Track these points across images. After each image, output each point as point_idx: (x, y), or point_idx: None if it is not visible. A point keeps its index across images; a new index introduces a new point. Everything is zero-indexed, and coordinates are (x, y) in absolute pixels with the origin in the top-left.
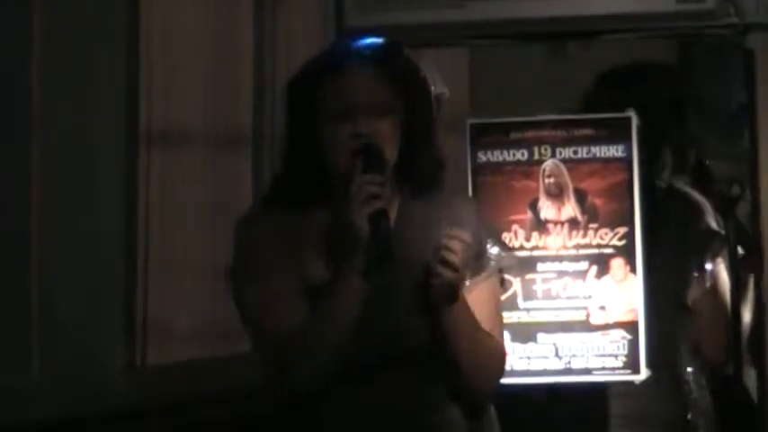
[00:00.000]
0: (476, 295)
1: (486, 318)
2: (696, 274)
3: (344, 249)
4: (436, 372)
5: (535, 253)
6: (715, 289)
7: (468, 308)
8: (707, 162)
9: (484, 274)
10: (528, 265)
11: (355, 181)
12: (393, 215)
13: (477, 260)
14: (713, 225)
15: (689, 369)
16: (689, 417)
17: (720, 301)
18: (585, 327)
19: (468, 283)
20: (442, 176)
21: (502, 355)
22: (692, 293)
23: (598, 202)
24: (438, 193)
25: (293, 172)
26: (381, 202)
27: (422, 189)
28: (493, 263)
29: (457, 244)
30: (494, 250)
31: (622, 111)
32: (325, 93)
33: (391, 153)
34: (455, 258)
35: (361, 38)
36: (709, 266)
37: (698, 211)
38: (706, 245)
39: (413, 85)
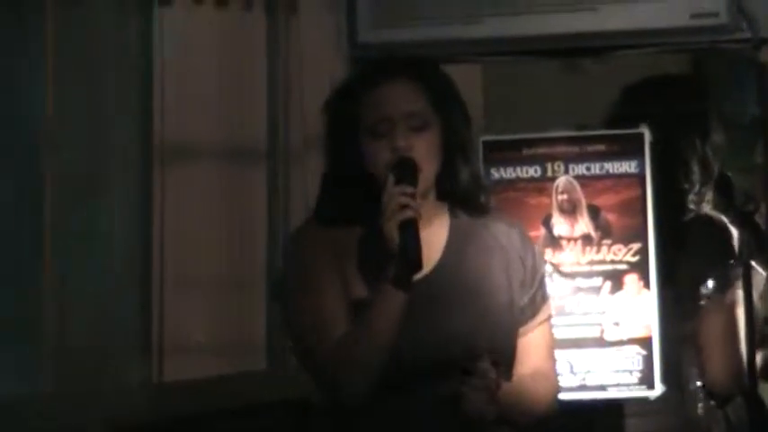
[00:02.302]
0: (529, 339)
1: (539, 361)
2: (713, 295)
3: (378, 260)
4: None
5: (549, 270)
6: (727, 317)
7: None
8: (729, 174)
9: (537, 320)
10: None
11: (387, 192)
12: (444, 233)
13: (532, 303)
14: (737, 249)
15: (697, 385)
16: None
17: (730, 330)
18: (600, 343)
19: (521, 329)
20: (488, 197)
21: (552, 396)
22: (704, 319)
23: (611, 217)
24: (489, 215)
25: (336, 189)
26: (411, 211)
27: (467, 206)
28: (546, 306)
29: (491, 383)
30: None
31: (638, 126)
32: (364, 109)
33: (430, 167)
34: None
35: (394, 54)
36: (724, 293)
37: (724, 238)
38: (728, 268)
39: (450, 101)
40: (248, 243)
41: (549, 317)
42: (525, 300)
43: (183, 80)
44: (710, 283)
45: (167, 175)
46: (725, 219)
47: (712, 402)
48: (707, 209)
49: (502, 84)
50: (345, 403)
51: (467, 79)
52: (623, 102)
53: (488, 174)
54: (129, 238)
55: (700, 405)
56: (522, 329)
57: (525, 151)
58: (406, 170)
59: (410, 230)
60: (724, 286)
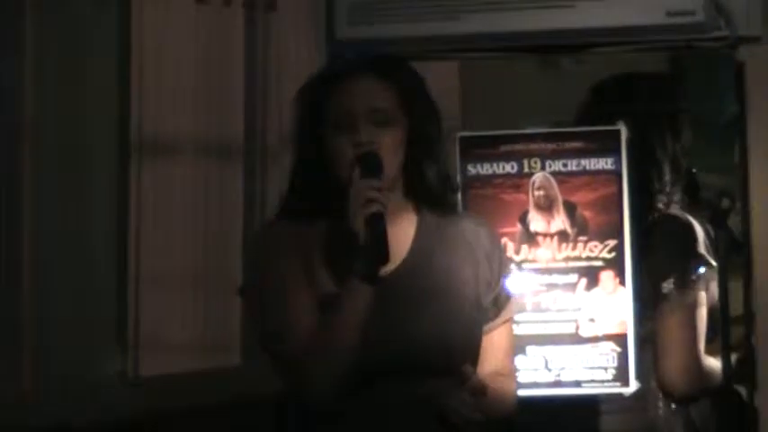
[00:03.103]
0: (493, 338)
1: (501, 360)
2: (673, 292)
3: (345, 255)
4: (450, 381)
5: (525, 266)
6: (683, 318)
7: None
8: (694, 170)
9: (501, 319)
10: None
11: (353, 186)
12: (412, 230)
13: (496, 303)
14: (702, 251)
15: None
16: None
17: (686, 331)
18: (575, 339)
19: (485, 327)
20: (455, 196)
21: (513, 396)
22: (661, 319)
23: (588, 214)
24: (457, 215)
25: (301, 184)
26: (378, 205)
27: (434, 205)
28: (510, 306)
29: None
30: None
31: (613, 123)
32: (329, 104)
33: (392, 163)
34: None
35: (365, 51)
36: (683, 293)
37: (690, 236)
38: (688, 268)
39: (418, 99)
40: (224, 239)
41: (512, 317)
42: (490, 298)
43: (161, 76)
44: (670, 283)
45: (144, 171)
46: (691, 219)
47: (673, 405)
48: (675, 209)
49: (479, 81)
50: (314, 403)
51: (444, 76)
52: (595, 100)
53: (465, 170)
54: (106, 233)
55: (660, 405)
56: (485, 328)
57: (502, 148)
58: (371, 164)
59: (377, 224)
60: (683, 286)
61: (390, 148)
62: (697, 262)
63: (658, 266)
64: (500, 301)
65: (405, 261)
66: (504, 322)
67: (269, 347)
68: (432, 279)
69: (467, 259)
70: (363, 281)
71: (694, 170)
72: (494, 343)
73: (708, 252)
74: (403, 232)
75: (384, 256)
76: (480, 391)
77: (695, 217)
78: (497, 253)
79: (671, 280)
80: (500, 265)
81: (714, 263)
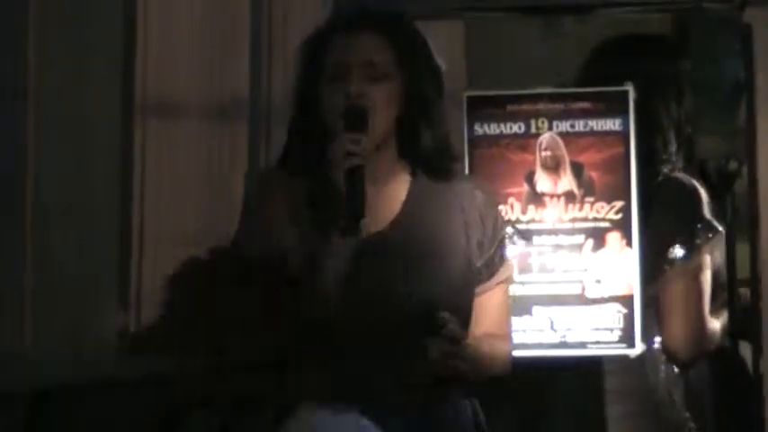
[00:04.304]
0: (485, 300)
1: (494, 322)
2: (679, 259)
3: (326, 208)
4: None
5: (531, 226)
6: (689, 283)
7: (471, 352)
8: (689, 131)
9: (494, 281)
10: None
11: (337, 138)
12: (404, 191)
13: (489, 264)
14: (707, 214)
15: (657, 348)
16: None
17: (692, 295)
18: (581, 300)
19: (478, 289)
20: (453, 162)
21: (506, 356)
22: (666, 284)
23: (595, 175)
24: (456, 180)
25: (297, 136)
26: (358, 159)
27: (429, 170)
28: (504, 269)
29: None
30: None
31: (619, 84)
32: (327, 57)
33: (383, 118)
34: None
35: (367, 6)
36: (689, 258)
37: (695, 200)
38: (695, 232)
39: (417, 56)
40: (228, 199)
41: (507, 279)
42: (483, 261)
43: (166, 35)
44: (677, 249)
45: (148, 132)
46: (695, 183)
47: (674, 368)
48: (679, 173)
49: (486, 40)
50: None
51: (450, 36)
52: (602, 61)
53: (471, 129)
54: (109, 193)
55: (661, 368)
56: (478, 290)
57: (509, 107)
58: (357, 118)
59: (354, 178)
60: (689, 251)
61: (381, 103)
62: (703, 226)
63: (664, 231)
64: (494, 264)
65: (393, 222)
66: (498, 284)
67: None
68: (421, 240)
69: (458, 222)
70: (342, 235)
71: (690, 131)
72: (486, 305)
73: (712, 216)
74: (394, 192)
75: (358, 211)
76: (458, 338)
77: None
78: (492, 216)
79: (677, 245)
80: (494, 229)
81: (720, 227)
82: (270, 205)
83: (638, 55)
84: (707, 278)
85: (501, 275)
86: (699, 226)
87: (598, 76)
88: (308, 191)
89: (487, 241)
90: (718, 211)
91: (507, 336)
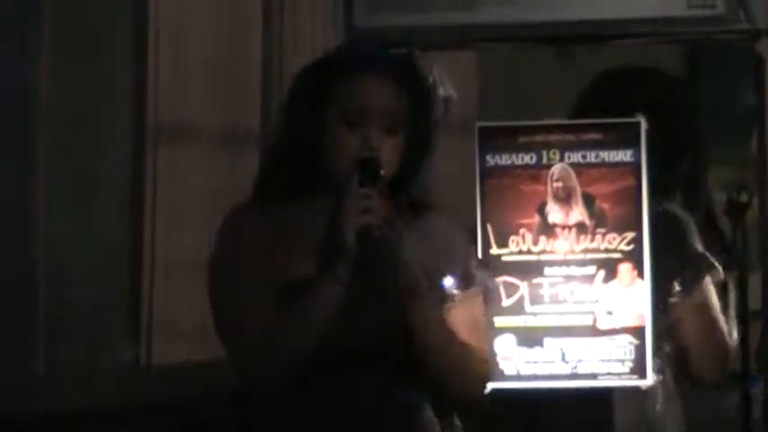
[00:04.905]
0: (460, 311)
1: (469, 333)
2: (680, 295)
3: (331, 256)
4: (409, 372)
5: (543, 257)
6: (701, 308)
7: (435, 311)
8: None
9: (469, 292)
10: (534, 269)
11: (350, 193)
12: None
13: (463, 280)
14: (698, 248)
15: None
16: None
17: (708, 319)
18: (592, 332)
19: (455, 299)
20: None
21: (482, 366)
22: (676, 313)
23: (606, 206)
24: (431, 211)
25: (287, 165)
26: (372, 216)
27: (414, 207)
28: (478, 283)
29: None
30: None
31: (630, 115)
32: (341, 92)
33: (390, 168)
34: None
35: (376, 42)
36: (693, 287)
37: (683, 233)
38: (691, 267)
39: (423, 103)
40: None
41: (478, 296)
42: (450, 279)
43: (177, 60)
44: (677, 285)
45: (160, 159)
46: (689, 216)
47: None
48: (671, 205)
49: (498, 70)
50: (264, 386)
51: (463, 65)
52: (613, 92)
53: (483, 160)
54: (121, 221)
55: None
56: (447, 303)
57: (521, 138)
58: (372, 172)
59: (368, 237)
60: (690, 286)
61: (391, 156)
62: (698, 262)
63: (664, 265)
64: (467, 279)
65: None
66: (467, 300)
67: (224, 333)
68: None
69: (429, 249)
70: (344, 287)
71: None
72: (457, 315)
73: (705, 248)
74: None
75: (371, 271)
76: (414, 282)
77: (694, 216)
78: (457, 239)
79: (677, 282)
80: (466, 249)
81: (715, 262)
82: (248, 244)
83: (651, 86)
84: (715, 304)
85: (470, 294)
86: (695, 263)
87: (609, 107)
88: (300, 224)
89: (453, 263)
90: (728, 243)
91: (478, 352)
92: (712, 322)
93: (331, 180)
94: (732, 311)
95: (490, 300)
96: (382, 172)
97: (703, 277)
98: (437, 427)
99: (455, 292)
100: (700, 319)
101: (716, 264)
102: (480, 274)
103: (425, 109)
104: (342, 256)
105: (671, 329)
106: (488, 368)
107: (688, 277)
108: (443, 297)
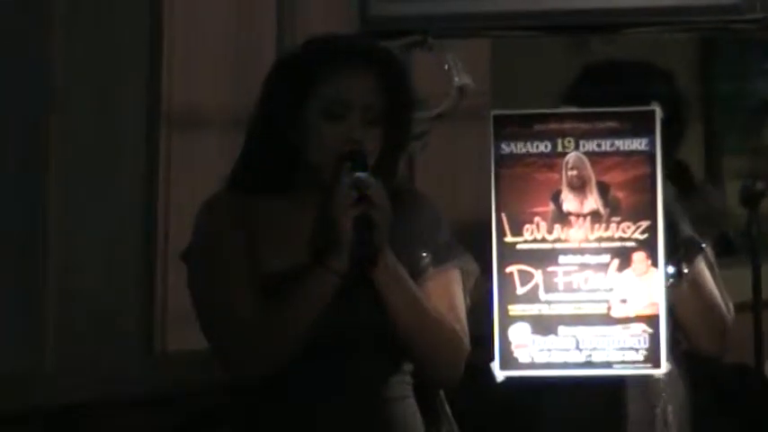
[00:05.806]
0: (435, 283)
1: (445, 307)
2: (675, 278)
3: (326, 246)
4: (393, 361)
5: (557, 245)
6: (697, 287)
7: (403, 278)
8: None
9: (444, 267)
10: (548, 258)
11: (344, 182)
12: None
13: (437, 254)
14: (687, 231)
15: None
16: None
17: (705, 296)
18: (606, 320)
19: (430, 271)
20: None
21: (458, 342)
22: (673, 297)
23: (620, 195)
24: (407, 192)
25: (265, 156)
26: (366, 206)
27: (395, 191)
28: (455, 263)
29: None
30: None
31: (645, 104)
32: (324, 84)
33: (370, 160)
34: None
35: (354, 34)
36: (688, 267)
37: (672, 219)
38: (683, 250)
39: (403, 94)
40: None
41: (454, 271)
42: (426, 254)
43: (192, 51)
44: (671, 267)
45: (174, 145)
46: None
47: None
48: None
49: (512, 59)
50: (248, 375)
51: (477, 54)
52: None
53: (498, 148)
54: (134, 208)
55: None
56: (422, 277)
57: (536, 127)
58: (361, 164)
59: (365, 226)
60: (683, 267)
61: (372, 146)
62: (688, 245)
63: None
64: (442, 253)
65: None
66: (443, 273)
67: (208, 318)
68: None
69: (406, 233)
70: (340, 277)
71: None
72: (433, 287)
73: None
74: None
75: (372, 260)
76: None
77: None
78: (432, 217)
79: (671, 265)
80: (435, 227)
81: (703, 243)
82: (225, 234)
83: (665, 76)
84: (710, 281)
85: (447, 266)
86: (683, 246)
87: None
88: (275, 215)
89: (429, 238)
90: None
91: (456, 321)
92: (710, 299)
93: (311, 173)
94: (723, 289)
95: (467, 282)
96: (370, 163)
97: (695, 257)
98: (419, 422)
99: (430, 268)
100: (697, 298)
101: (704, 244)
102: (459, 255)
103: (404, 100)
104: (337, 246)
105: (670, 313)
106: (464, 345)
107: (681, 260)
108: (420, 271)
